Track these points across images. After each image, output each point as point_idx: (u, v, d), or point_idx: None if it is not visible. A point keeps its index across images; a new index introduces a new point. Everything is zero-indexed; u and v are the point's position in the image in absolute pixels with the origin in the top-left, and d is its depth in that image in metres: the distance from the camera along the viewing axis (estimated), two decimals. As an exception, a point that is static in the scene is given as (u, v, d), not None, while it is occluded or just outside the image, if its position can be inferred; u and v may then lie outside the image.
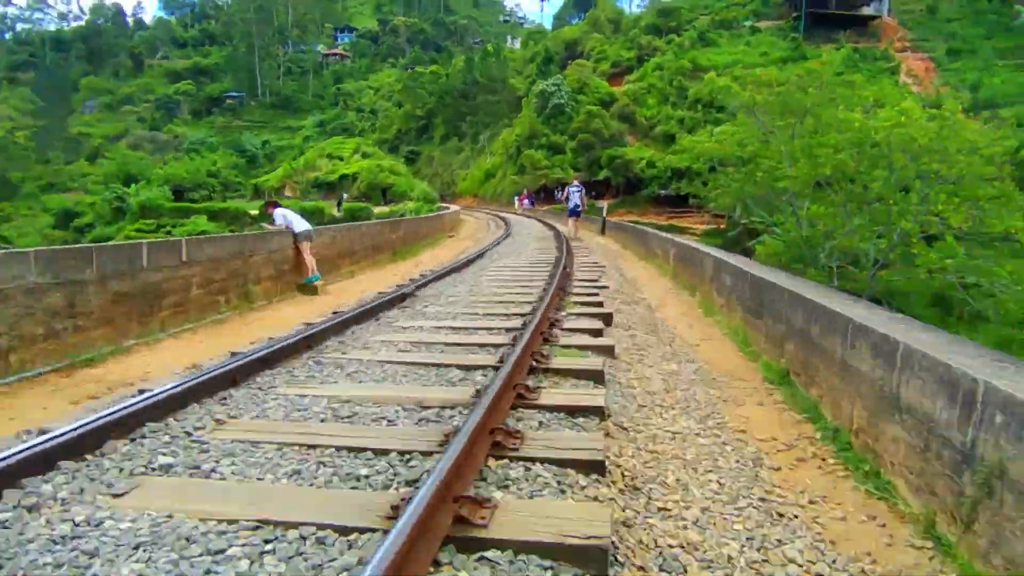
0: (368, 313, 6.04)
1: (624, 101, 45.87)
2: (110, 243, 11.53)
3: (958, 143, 7.85)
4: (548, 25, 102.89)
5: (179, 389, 3.26)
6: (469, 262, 12.21)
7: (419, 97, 68.27)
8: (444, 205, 40.38)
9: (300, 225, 9.44)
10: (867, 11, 50.43)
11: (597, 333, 5.53)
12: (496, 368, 3.96)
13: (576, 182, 19.47)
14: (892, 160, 8.31)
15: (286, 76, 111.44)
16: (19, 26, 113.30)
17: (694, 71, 47.96)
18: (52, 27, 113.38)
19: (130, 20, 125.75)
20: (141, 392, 3.27)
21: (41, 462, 2.46)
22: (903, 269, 9.23)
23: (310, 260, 9.21)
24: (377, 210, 43.18)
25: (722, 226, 36.27)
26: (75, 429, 2.67)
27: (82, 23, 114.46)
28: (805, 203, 10.02)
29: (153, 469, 2.58)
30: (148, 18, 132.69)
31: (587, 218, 29.53)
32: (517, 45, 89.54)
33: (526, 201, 40.99)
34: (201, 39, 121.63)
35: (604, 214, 20.21)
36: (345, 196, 48.50)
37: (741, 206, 16.92)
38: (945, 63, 45.56)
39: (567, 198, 19.36)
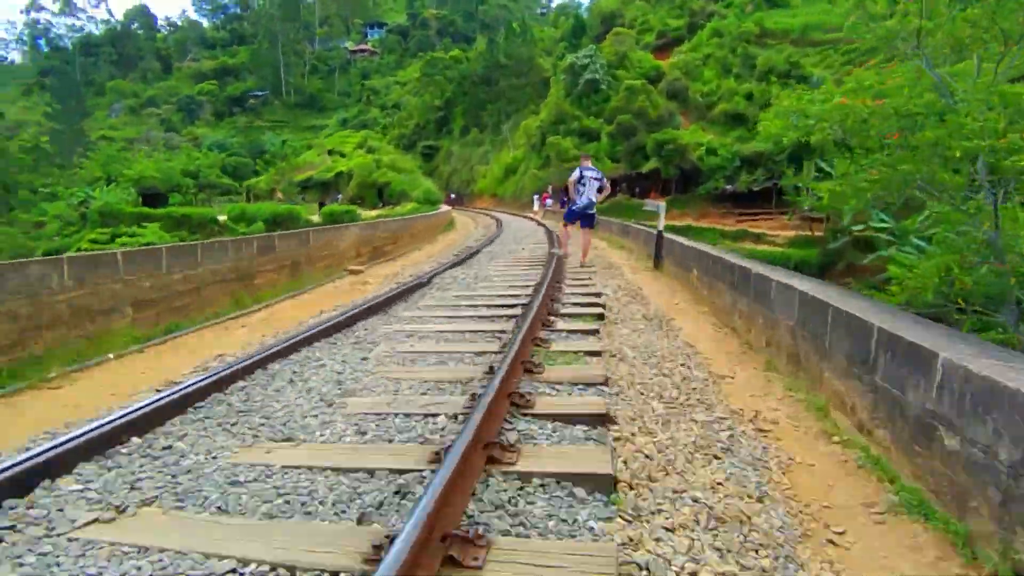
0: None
1: (674, 75, 36.08)
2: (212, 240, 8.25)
3: None
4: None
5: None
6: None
7: (438, 86, 60.04)
8: (443, 207, 31.71)
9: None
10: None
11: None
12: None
13: (589, 163, 10.27)
14: None
15: (312, 74, 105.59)
16: (52, 31, 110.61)
17: (761, 36, 37.78)
18: (82, 32, 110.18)
19: (163, 23, 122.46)
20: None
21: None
22: None
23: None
24: (374, 213, 34.90)
25: (816, 233, 26.28)
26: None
27: (110, 27, 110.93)
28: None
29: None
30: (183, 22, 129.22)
31: (606, 224, 20.52)
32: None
33: (548, 201, 31.81)
34: (231, 40, 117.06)
35: (661, 225, 10.69)
36: (339, 197, 40.37)
37: (863, 203, 8.06)
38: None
39: (574, 191, 10.28)
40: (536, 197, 32.72)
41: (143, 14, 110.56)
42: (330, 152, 49.07)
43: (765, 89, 32.69)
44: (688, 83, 35.68)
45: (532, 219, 28.07)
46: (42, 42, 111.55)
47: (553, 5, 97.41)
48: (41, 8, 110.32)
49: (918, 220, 7.53)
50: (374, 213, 32.42)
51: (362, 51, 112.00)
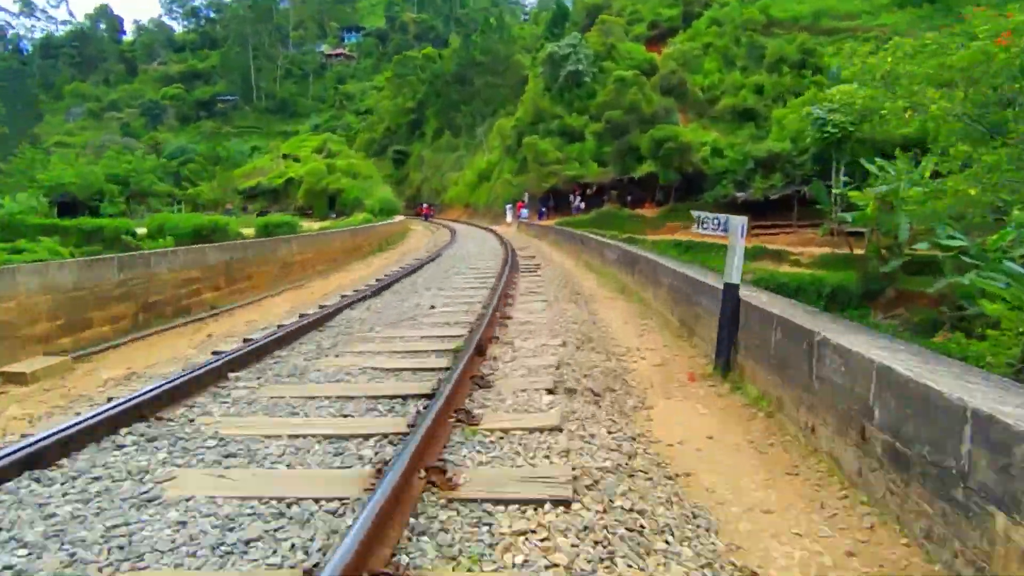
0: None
1: (669, 67, 31.03)
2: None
3: None
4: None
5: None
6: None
7: (410, 86, 54.83)
8: (398, 218, 26.31)
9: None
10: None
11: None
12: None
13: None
14: None
15: (285, 79, 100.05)
16: (10, 32, 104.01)
17: (768, 26, 32.96)
18: (43, 33, 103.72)
19: (131, 27, 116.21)
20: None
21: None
22: None
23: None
24: (317, 226, 29.35)
25: (857, 251, 21.15)
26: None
27: (72, 28, 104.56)
28: None
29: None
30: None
31: (581, 242, 15.59)
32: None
33: (523, 212, 26.53)
34: (201, 43, 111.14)
35: (734, 273, 4.69)
36: (271, 209, 34.72)
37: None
38: None
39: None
40: (509, 207, 27.41)
41: (107, 15, 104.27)
42: (284, 156, 43.47)
43: (778, 81, 27.75)
44: (686, 76, 30.65)
45: (497, 232, 22.82)
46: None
47: (535, 3, 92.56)
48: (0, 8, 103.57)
49: (1008, 236, 5.86)
50: (317, 226, 27.04)
51: (338, 55, 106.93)
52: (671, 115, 30.34)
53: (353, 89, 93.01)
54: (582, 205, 28.07)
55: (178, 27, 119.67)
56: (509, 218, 27.32)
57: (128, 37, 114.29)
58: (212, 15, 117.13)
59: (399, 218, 27.45)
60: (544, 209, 29.01)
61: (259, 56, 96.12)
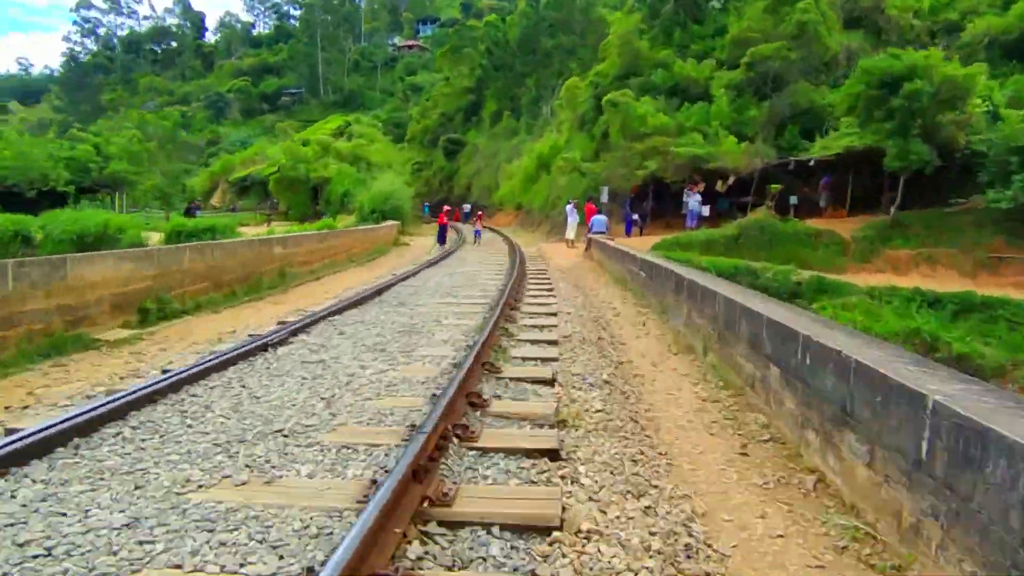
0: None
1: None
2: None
3: None
4: None
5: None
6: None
7: (467, 62, 43.81)
8: (387, 223, 14.87)
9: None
10: None
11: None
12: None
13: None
14: None
15: (355, 71, 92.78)
16: (100, 30, 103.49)
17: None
18: (126, 30, 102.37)
19: (214, 23, 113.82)
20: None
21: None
22: None
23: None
24: (279, 229, 18.70)
25: None
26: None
27: (155, 24, 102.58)
28: None
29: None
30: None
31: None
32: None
33: (597, 220, 14.14)
34: (276, 37, 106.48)
35: None
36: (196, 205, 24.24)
37: None
38: None
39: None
40: (571, 208, 15.43)
41: (187, 9, 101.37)
42: (304, 144, 33.57)
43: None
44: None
45: (542, 262, 10.66)
46: (90, 40, 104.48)
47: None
48: (91, 6, 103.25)
49: None
50: (255, 229, 16.30)
51: (411, 47, 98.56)
52: (854, 58, 17.07)
53: (422, 80, 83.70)
54: (704, 210, 15.45)
55: (260, 24, 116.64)
56: (570, 232, 15.19)
57: (212, 34, 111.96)
58: (291, 10, 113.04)
59: (388, 224, 16.14)
60: (635, 217, 16.63)
61: (328, 48, 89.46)
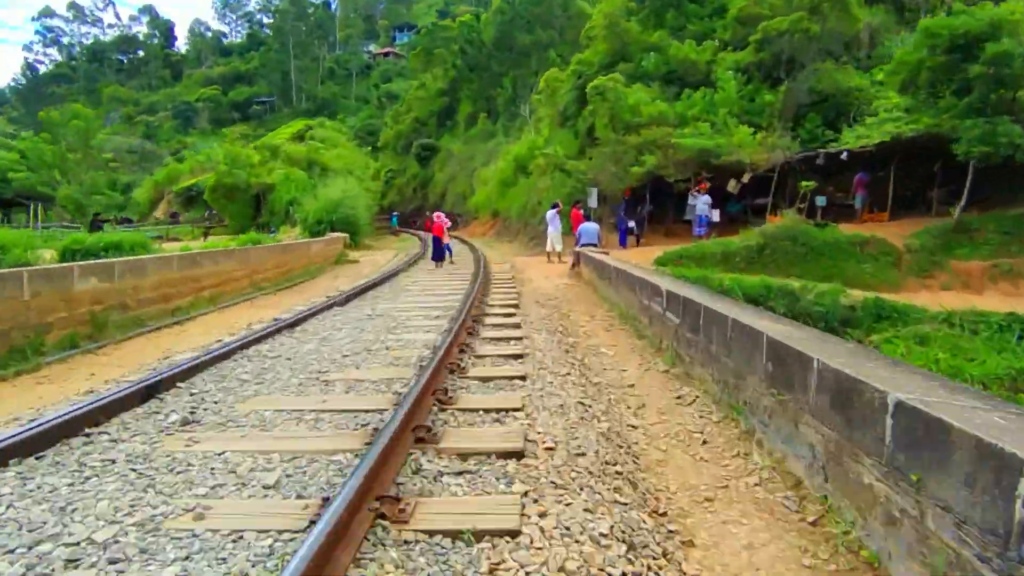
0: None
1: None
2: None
3: None
4: None
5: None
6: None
7: (441, 63, 41.20)
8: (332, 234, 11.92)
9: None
10: None
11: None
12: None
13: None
14: None
15: (329, 79, 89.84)
16: (64, 39, 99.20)
17: None
18: (91, 39, 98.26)
19: (184, 34, 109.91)
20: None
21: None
22: None
23: None
24: (199, 244, 15.51)
25: None
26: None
27: (120, 33, 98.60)
28: None
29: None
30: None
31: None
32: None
33: (586, 229, 11.30)
34: (249, 46, 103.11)
35: None
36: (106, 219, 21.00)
37: None
38: None
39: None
40: (552, 215, 12.61)
41: (152, 16, 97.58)
42: (259, 150, 30.45)
43: None
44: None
45: (517, 290, 7.42)
46: (53, 50, 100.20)
47: None
48: (53, 15, 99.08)
49: None
50: (188, 242, 13.23)
51: (387, 54, 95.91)
52: (878, 40, 14.66)
53: (398, 88, 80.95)
54: (714, 215, 12.75)
55: (233, 34, 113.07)
56: (555, 244, 12.23)
57: (183, 44, 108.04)
58: (265, 19, 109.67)
59: (330, 237, 13.17)
60: (630, 224, 13.88)
61: (301, 56, 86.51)
